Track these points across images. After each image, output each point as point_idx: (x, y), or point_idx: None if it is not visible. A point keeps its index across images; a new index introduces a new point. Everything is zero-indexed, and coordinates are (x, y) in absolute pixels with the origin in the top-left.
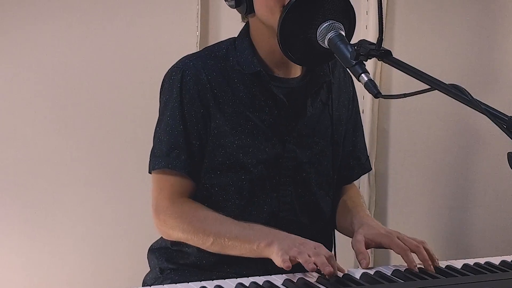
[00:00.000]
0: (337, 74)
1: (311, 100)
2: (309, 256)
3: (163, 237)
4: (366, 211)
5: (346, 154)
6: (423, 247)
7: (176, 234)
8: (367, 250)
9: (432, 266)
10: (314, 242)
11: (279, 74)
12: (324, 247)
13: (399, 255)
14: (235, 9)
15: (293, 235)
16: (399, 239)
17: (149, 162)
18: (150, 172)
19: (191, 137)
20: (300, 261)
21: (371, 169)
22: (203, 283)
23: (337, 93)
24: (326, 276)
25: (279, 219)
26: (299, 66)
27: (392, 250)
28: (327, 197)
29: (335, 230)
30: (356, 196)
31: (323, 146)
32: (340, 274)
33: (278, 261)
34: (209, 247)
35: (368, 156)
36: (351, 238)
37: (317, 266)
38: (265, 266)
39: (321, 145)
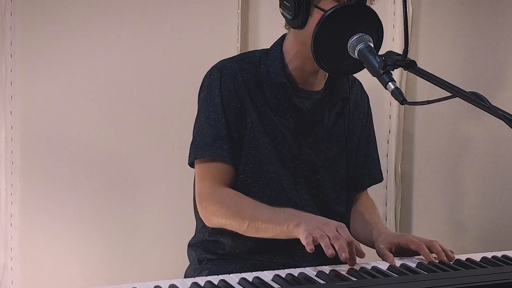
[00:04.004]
0: (355, 91)
1: (328, 111)
2: (329, 239)
3: (206, 223)
4: (382, 222)
5: (359, 164)
6: (436, 243)
7: (217, 219)
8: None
9: (445, 257)
10: (337, 222)
11: (303, 86)
12: (346, 228)
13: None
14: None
15: (319, 216)
16: (414, 238)
17: (190, 153)
18: (190, 163)
19: (231, 129)
20: (321, 245)
21: (382, 180)
22: (243, 275)
23: (353, 107)
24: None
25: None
26: (322, 81)
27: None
28: (339, 200)
29: None
30: (372, 209)
31: (336, 152)
32: (358, 260)
33: (303, 242)
34: (245, 231)
35: (381, 169)
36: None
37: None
38: (292, 256)
39: (334, 151)
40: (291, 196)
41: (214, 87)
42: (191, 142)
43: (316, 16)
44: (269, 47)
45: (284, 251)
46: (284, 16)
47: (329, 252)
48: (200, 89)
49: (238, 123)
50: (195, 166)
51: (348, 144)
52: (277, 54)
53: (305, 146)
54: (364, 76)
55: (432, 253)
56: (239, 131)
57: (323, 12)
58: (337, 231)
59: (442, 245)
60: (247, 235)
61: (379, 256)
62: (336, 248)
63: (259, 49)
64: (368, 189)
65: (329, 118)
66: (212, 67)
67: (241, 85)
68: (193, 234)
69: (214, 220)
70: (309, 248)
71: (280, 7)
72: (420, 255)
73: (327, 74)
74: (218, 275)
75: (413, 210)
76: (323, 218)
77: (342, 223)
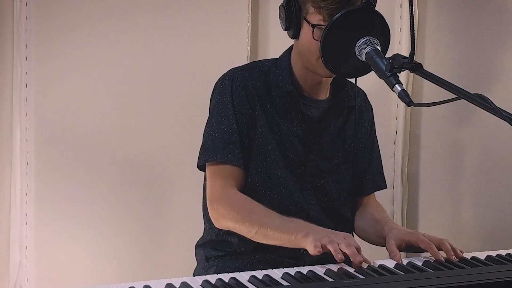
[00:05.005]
0: (359, 100)
1: (334, 120)
2: (339, 245)
3: (215, 225)
4: (392, 220)
5: (363, 169)
6: (446, 241)
7: (226, 222)
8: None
9: (454, 256)
10: (344, 232)
11: (309, 95)
12: (352, 237)
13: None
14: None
15: (327, 229)
16: (424, 236)
17: (200, 156)
18: (200, 165)
19: (242, 134)
20: (331, 250)
21: (386, 187)
22: (253, 273)
23: (358, 116)
24: (357, 265)
25: (310, 216)
26: (326, 90)
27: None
28: (346, 205)
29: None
30: (381, 210)
31: (341, 159)
32: (365, 265)
33: (311, 250)
34: (253, 236)
35: (384, 178)
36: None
37: (344, 258)
38: (296, 253)
39: (339, 158)
40: (298, 200)
41: (225, 93)
42: (201, 146)
43: (306, 28)
44: (278, 52)
45: (288, 251)
46: (281, 26)
47: (338, 256)
48: (211, 96)
49: (249, 128)
50: (206, 169)
51: (354, 151)
52: (285, 64)
53: (312, 153)
54: (371, 79)
55: (441, 250)
56: (249, 136)
57: (311, 25)
58: (345, 239)
59: (451, 243)
60: (255, 240)
61: (387, 251)
62: (349, 254)
63: (267, 58)
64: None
65: (335, 126)
66: (224, 75)
67: (251, 92)
68: (201, 235)
69: (223, 222)
70: (316, 250)
71: (279, 18)
72: (424, 252)
73: (330, 83)
74: (225, 270)
75: (419, 210)
76: (330, 230)
77: (349, 233)
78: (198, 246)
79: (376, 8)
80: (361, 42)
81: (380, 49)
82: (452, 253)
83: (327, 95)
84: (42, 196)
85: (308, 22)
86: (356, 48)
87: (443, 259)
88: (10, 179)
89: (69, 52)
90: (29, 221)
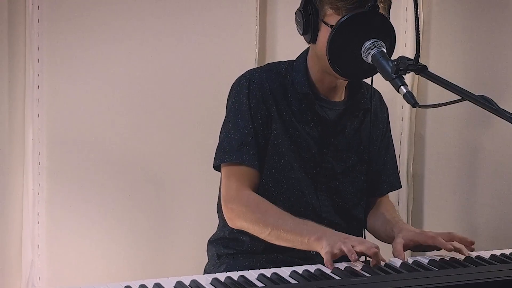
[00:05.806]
0: (375, 102)
1: (350, 122)
2: (353, 246)
3: (229, 224)
4: (402, 220)
5: (378, 171)
6: (454, 234)
7: (240, 222)
8: (405, 252)
9: (465, 249)
10: (358, 237)
11: (325, 97)
12: (369, 241)
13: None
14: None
15: (339, 232)
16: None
17: (216, 157)
18: (216, 166)
19: (258, 136)
20: (344, 250)
21: (401, 187)
22: (262, 271)
23: (374, 117)
24: (370, 264)
25: (321, 218)
26: (342, 92)
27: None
28: (359, 205)
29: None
30: (393, 210)
31: (356, 161)
32: (382, 264)
33: (324, 255)
34: (266, 237)
35: (399, 177)
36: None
37: (359, 257)
38: (306, 254)
39: (354, 160)
40: (310, 202)
41: (242, 95)
42: (218, 146)
43: (324, 31)
44: (286, 54)
45: (298, 252)
46: (298, 31)
47: (352, 257)
48: (228, 96)
49: (265, 130)
50: (222, 169)
51: (369, 153)
52: (302, 66)
53: (327, 154)
54: (377, 80)
55: (451, 241)
56: (265, 138)
57: (330, 27)
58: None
59: (459, 235)
60: (268, 241)
61: (393, 251)
62: (364, 250)
63: (275, 60)
64: None
65: (351, 128)
66: (241, 76)
67: (268, 94)
68: (213, 232)
69: (238, 222)
70: (327, 264)
71: (295, 23)
72: (433, 250)
73: (346, 85)
74: (235, 268)
75: (425, 209)
76: (343, 234)
77: (364, 239)
78: (210, 242)
79: (384, 10)
80: (367, 44)
81: (385, 52)
82: (462, 246)
83: (343, 97)
84: (54, 196)
85: (326, 24)
86: (362, 50)
87: (452, 248)
88: (23, 179)
89: (80, 54)
90: (41, 220)
